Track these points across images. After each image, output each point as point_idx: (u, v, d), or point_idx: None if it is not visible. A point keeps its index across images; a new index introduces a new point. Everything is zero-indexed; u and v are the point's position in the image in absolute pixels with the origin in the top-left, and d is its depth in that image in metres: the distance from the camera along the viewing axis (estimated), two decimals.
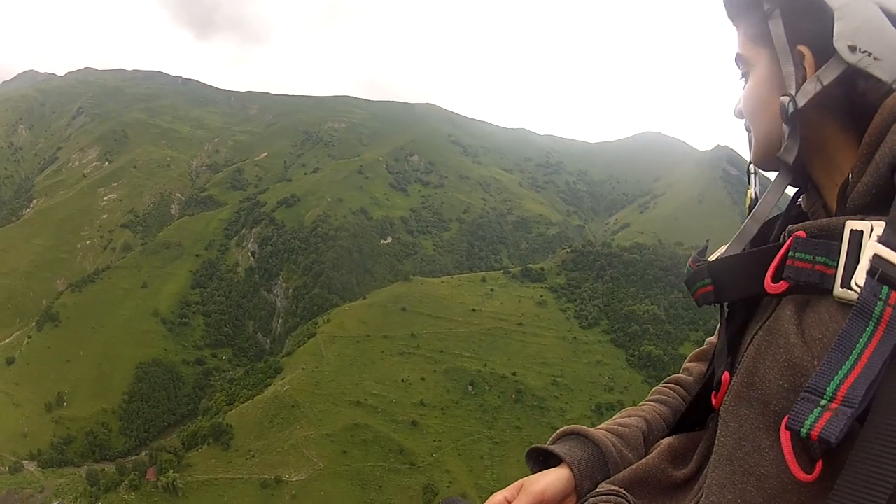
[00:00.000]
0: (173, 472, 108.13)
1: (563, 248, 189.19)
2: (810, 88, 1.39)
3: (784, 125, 1.45)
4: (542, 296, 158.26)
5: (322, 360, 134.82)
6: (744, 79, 1.61)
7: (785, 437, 1.18)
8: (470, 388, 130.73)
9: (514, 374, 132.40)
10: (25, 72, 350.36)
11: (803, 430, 1.12)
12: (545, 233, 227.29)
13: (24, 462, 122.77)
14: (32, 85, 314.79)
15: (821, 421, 1.11)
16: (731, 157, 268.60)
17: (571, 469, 1.65)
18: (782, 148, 1.47)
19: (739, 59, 1.60)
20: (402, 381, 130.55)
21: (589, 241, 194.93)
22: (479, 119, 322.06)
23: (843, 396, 1.11)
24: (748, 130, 1.64)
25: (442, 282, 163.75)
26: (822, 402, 1.12)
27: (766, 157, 1.56)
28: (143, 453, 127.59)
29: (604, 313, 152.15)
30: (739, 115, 1.65)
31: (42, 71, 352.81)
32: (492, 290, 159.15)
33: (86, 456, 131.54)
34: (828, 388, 1.13)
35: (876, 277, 1.16)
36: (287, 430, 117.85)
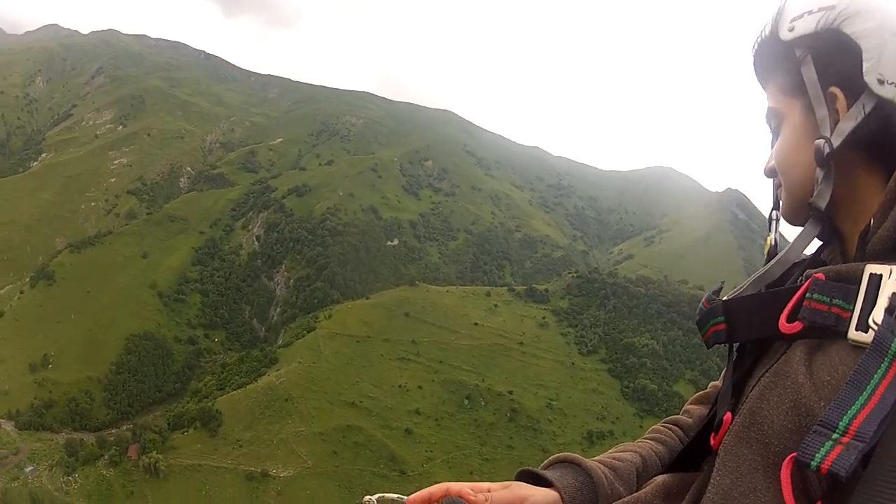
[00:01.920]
0: (156, 453, 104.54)
1: (569, 272, 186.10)
2: (845, 127, 1.38)
3: (818, 169, 1.43)
4: (544, 317, 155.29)
5: (320, 355, 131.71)
6: (774, 134, 1.60)
7: (785, 475, 1.15)
8: (466, 401, 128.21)
9: (510, 392, 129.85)
10: (49, 25, 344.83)
11: (813, 463, 1.09)
12: (550, 254, 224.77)
13: (0, 420, 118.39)
14: (55, 39, 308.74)
15: (832, 455, 1.08)
16: (741, 201, 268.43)
17: (561, 495, 1.61)
18: (815, 193, 1.44)
19: (771, 114, 1.59)
20: (400, 386, 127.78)
21: (595, 269, 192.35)
22: (494, 132, 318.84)
23: (856, 431, 1.08)
24: (777, 188, 1.64)
25: (447, 291, 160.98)
26: (834, 436, 1.10)
27: (799, 206, 1.52)
28: (125, 427, 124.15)
29: (603, 342, 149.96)
30: (771, 173, 1.63)
31: (66, 27, 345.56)
32: (495, 305, 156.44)
33: (65, 423, 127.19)
34: (840, 422, 1.10)
35: (894, 315, 1.16)
36: (278, 424, 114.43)
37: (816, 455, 1.09)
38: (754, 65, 1.62)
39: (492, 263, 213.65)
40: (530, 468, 1.68)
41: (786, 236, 1.64)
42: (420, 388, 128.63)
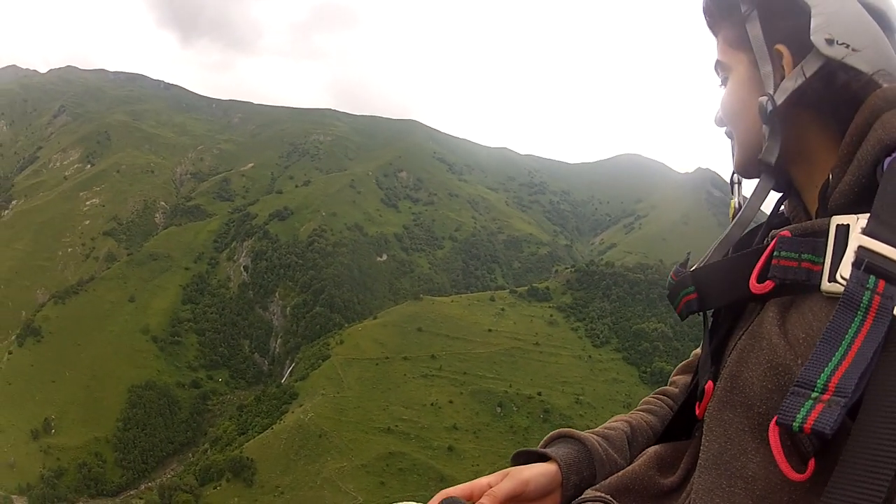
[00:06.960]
0: None
1: (565, 268, 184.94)
2: (788, 85, 1.36)
3: (764, 126, 1.41)
4: (551, 315, 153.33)
5: (342, 384, 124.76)
6: (723, 86, 1.58)
7: (774, 436, 1.12)
8: (499, 409, 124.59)
9: (539, 394, 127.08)
10: (7, 66, 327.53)
11: (795, 424, 1.07)
12: (536, 252, 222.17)
13: (13, 497, 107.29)
14: (14, 80, 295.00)
15: (813, 413, 1.06)
16: (714, 179, 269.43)
17: (558, 463, 1.63)
18: (763, 149, 1.42)
19: (719, 66, 1.57)
20: (431, 404, 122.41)
21: (592, 261, 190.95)
22: (460, 137, 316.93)
23: (835, 387, 1.06)
24: (730, 138, 1.61)
25: (452, 301, 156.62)
26: (814, 395, 1.08)
27: (749, 161, 1.51)
28: (143, 487, 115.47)
29: (614, 332, 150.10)
30: (720, 122, 1.61)
31: (24, 67, 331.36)
32: (502, 309, 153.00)
33: (80, 491, 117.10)
34: (818, 380, 1.08)
35: (862, 268, 1.12)
36: (317, 463, 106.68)
37: (798, 416, 1.07)
38: (704, 14, 1.59)
39: (482, 268, 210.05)
40: (526, 448, 1.70)
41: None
42: (451, 402, 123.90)
